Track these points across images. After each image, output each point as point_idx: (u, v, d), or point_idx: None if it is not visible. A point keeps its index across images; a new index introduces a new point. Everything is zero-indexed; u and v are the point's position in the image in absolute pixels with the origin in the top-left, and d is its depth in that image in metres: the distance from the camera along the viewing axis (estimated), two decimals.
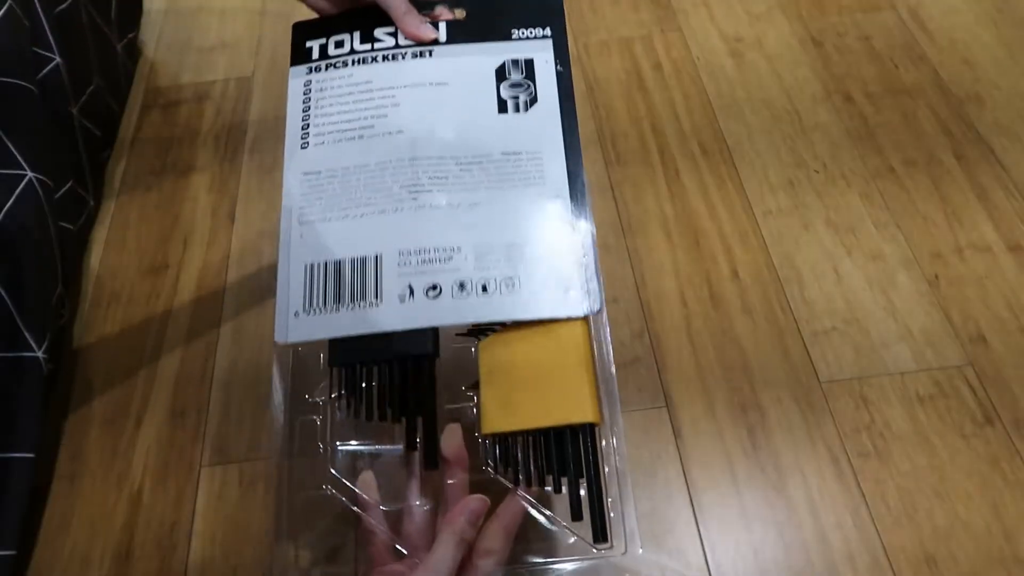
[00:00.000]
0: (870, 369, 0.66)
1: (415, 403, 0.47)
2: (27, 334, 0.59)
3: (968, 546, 0.57)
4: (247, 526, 0.60)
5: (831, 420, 0.64)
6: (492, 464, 0.47)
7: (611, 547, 0.44)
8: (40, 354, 0.59)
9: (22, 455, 0.57)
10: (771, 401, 0.65)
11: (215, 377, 0.69)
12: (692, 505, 0.60)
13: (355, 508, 0.48)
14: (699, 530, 0.59)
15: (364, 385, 0.48)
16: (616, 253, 0.75)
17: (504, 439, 0.46)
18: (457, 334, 0.49)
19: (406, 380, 0.47)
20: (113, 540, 0.60)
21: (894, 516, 0.59)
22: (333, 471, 0.49)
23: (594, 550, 0.44)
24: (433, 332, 0.47)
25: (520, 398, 0.45)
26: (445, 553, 0.42)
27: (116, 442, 0.65)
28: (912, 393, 0.65)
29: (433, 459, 0.46)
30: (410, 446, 0.47)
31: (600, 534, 0.43)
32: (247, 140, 0.88)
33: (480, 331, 0.49)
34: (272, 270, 0.75)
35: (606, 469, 0.45)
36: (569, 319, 0.46)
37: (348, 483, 0.49)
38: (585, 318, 0.47)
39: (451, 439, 0.47)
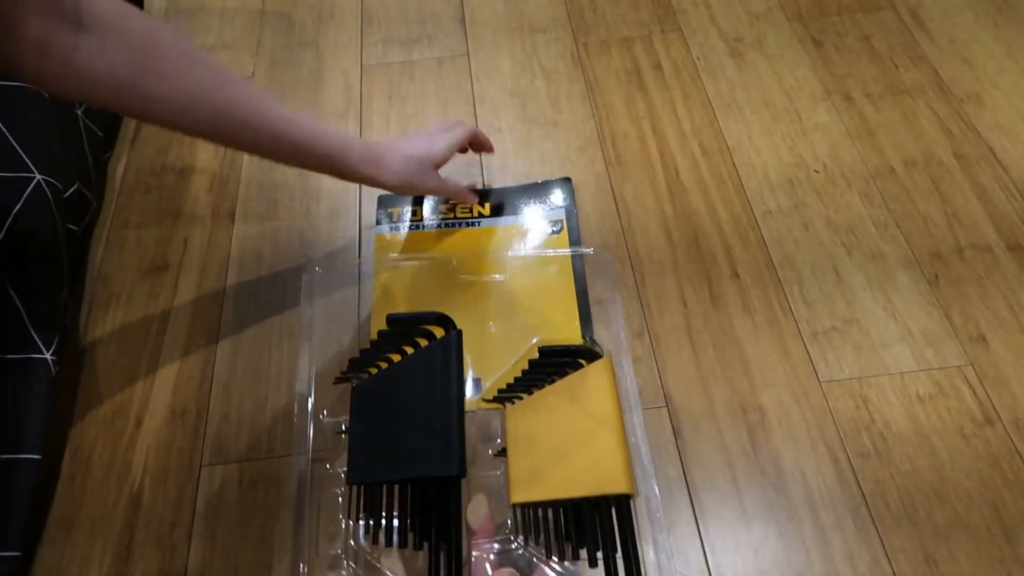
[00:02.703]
0: (870, 369, 0.66)
1: (439, 530, 0.42)
2: (36, 336, 0.59)
3: (968, 546, 0.57)
4: (247, 526, 0.60)
5: (831, 420, 0.64)
6: (522, 535, 0.45)
7: None
8: (48, 356, 0.60)
9: (28, 456, 0.57)
10: (771, 401, 0.65)
11: (215, 377, 0.69)
12: (692, 505, 0.60)
13: None
14: (699, 530, 0.59)
15: (384, 510, 0.44)
16: (616, 253, 0.75)
17: (535, 509, 0.44)
18: (484, 400, 0.48)
19: (429, 504, 0.43)
20: (113, 540, 0.60)
21: (894, 516, 0.59)
22: (357, 546, 0.46)
23: None
24: (460, 448, 0.43)
25: (551, 467, 0.44)
26: None
27: (116, 442, 0.65)
28: (912, 393, 0.65)
29: None
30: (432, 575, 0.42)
31: None
32: None
33: (507, 397, 0.47)
34: (272, 270, 0.75)
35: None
36: (598, 387, 0.45)
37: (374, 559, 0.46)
38: (614, 385, 0.46)
39: (478, 509, 0.45)
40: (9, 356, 0.57)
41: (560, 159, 0.83)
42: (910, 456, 0.61)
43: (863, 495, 0.60)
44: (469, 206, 0.79)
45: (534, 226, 0.78)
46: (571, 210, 0.79)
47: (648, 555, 0.44)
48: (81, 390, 0.68)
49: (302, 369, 0.54)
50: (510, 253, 0.74)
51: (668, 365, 0.68)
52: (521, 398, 0.48)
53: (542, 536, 0.44)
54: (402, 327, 0.46)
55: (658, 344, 0.69)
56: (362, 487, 0.45)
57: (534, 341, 0.51)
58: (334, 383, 0.49)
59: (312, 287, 0.63)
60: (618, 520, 0.42)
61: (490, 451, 0.49)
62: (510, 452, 0.46)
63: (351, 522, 0.46)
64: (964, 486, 0.60)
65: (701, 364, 0.67)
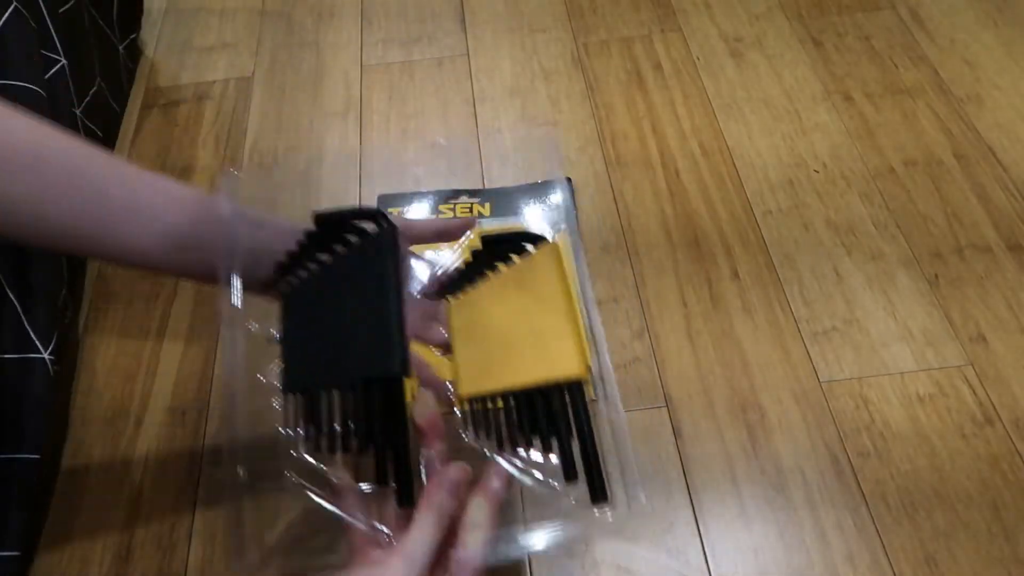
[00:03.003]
0: (870, 369, 0.66)
1: (384, 432, 0.40)
2: (34, 336, 0.59)
3: (968, 546, 0.57)
4: (247, 526, 0.60)
5: (831, 420, 0.64)
6: (472, 430, 0.42)
7: (612, 505, 0.40)
8: (47, 356, 0.59)
9: (27, 456, 0.57)
10: (771, 401, 0.65)
11: (215, 377, 0.69)
12: (692, 505, 0.60)
13: (319, 499, 0.42)
14: (699, 530, 0.59)
15: (324, 414, 0.41)
16: (616, 253, 0.75)
17: (483, 402, 0.42)
18: (421, 294, 0.45)
19: (372, 406, 0.40)
20: (113, 540, 0.60)
21: (894, 516, 0.59)
22: (298, 455, 0.43)
23: (594, 511, 0.39)
24: (402, 347, 0.40)
25: (499, 356, 0.41)
26: (422, 534, 0.37)
27: (116, 442, 0.65)
28: (912, 393, 0.65)
29: (409, 496, 0.39)
30: (380, 481, 0.40)
31: (600, 492, 0.39)
32: (247, 140, 0.88)
33: (448, 290, 0.44)
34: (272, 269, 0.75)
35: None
36: (547, 271, 0.42)
37: (319, 465, 0.43)
38: (563, 269, 0.42)
39: (424, 407, 0.42)
40: (7, 356, 0.57)
41: (560, 159, 0.83)
42: (910, 456, 0.61)
43: (863, 495, 0.60)
44: (469, 206, 0.79)
45: (534, 226, 0.78)
46: (571, 210, 0.79)
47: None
48: (81, 390, 0.68)
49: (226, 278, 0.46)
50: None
51: (668, 365, 0.67)
52: (465, 290, 0.45)
53: (493, 429, 0.41)
54: (332, 226, 0.42)
55: (658, 344, 0.69)
56: (299, 395, 0.42)
57: (471, 234, 0.46)
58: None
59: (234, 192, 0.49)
60: (572, 405, 0.40)
61: (430, 347, 0.45)
62: (455, 345, 0.43)
63: (289, 432, 0.43)
64: (964, 486, 0.60)
65: (701, 364, 0.67)
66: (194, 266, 0.45)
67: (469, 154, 0.84)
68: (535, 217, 0.78)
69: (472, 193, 0.80)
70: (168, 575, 0.58)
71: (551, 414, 0.40)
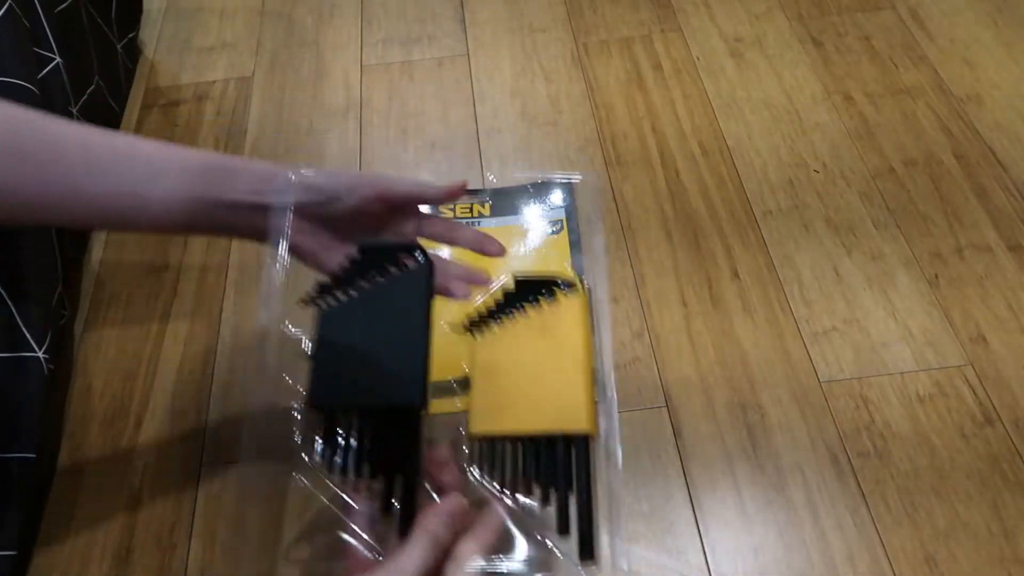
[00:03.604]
0: (870, 369, 0.66)
1: (396, 462, 0.43)
2: (28, 334, 0.59)
3: (968, 546, 0.57)
4: (247, 526, 0.60)
5: (831, 420, 0.64)
6: (478, 468, 0.45)
7: (597, 566, 0.42)
8: (41, 354, 0.59)
9: (23, 455, 0.57)
10: (771, 401, 0.65)
11: (215, 377, 0.69)
12: (692, 505, 0.60)
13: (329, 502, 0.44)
14: (699, 530, 0.59)
15: (342, 437, 0.44)
16: (616, 253, 0.75)
17: (491, 443, 0.44)
18: (453, 329, 0.48)
19: (388, 435, 0.43)
20: (113, 540, 0.60)
21: (894, 516, 0.59)
22: (308, 459, 0.45)
23: (581, 570, 0.42)
24: (423, 381, 0.43)
25: (513, 400, 0.44)
26: (414, 553, 0.38)
27: (116, 442, 0.65)
28: (912, 393, 0.65)
29: (409, 527, 0.41)
30: (384, 510, 0.42)
31: (587, 551, 0.41)
32: (247, 140, 0.88)
33: (477, 328, 0.47)
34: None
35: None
36: (571, 322, 0.45)
37: (330, 482, 0.45)
38: (587, 321, 0.45)
39: (441, 454, 0.44)
40: (1, 355, 0.57)
41: (560, 159, 0.83)
42: (910, 456, 0.61)
43: (863, 495, 0.60)
44: (469, 206, 0.79)
45: (534, 226, 0.78)
46: (571, 210, 0.79)
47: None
48: (80, 389, 0.68)
49: (271, 281, 0.48)
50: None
51: (668, 365, 0.67)
52: (491, 329, 0.47)
53: (498, 470, 0.43)
54: (374, 254, 0.46)
55: (658, 344, 0.69)
56: (320, 411, 0.45)
57: (507, 276, 0.49)
58: (299, 303, 0.48)
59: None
60: (575, 460, 0.42)
61: (449, 379, 0.49)
62: (474, 383, 0.45)
63: (305, 440, 0.45)
64: (964, 486, 0.60)
65: (701, 364, 0.67)
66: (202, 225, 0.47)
67: (469, 154, 0.84)
68: (535, 217, 0.78)
69: (472, 193, 0.80)
70: (168, 575, 0.58)
71: (554, 464, 0.42)
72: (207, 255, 0.77)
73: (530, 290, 0.48)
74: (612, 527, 0.42)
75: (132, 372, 0.69)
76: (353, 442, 0.43)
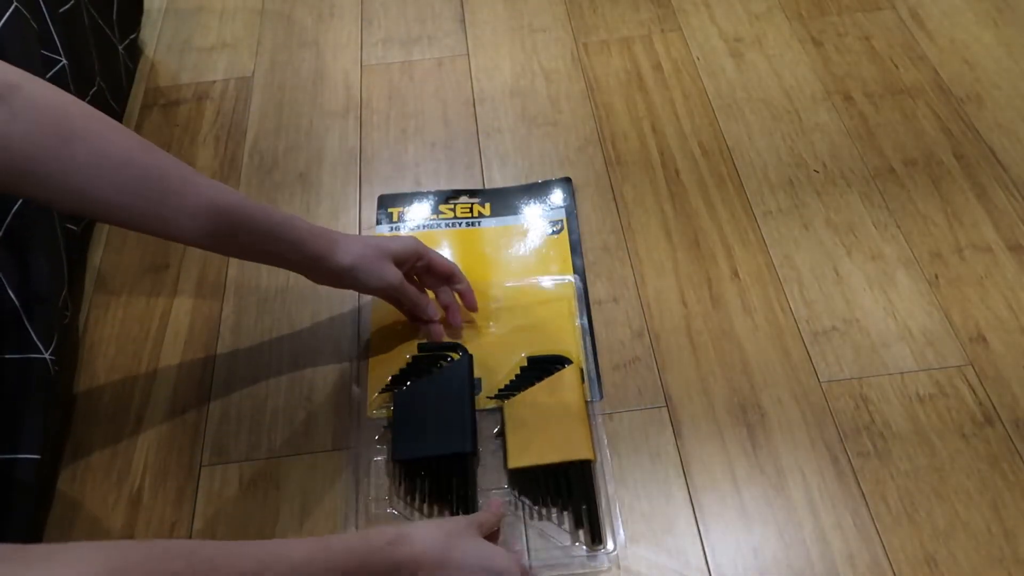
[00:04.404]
0: (870, 369, 0.66)
1: (456, 499, 0.60)
2: (35, 336, 0.59)
3: (968, 546, 0.57)
4: (247, 526, 0.60)
5: (831, 420, 0.64)
6: (516, 490, 0.61)
7: (606, 547, 0.58)
8: (47, 356, 0.59)
9: (28, 456, 0.57)
10: (771, 401, 0.65)
11: (215, 377, 0.69)
12: (692, 505, 0.60)
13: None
14: (699, 530, 0.59)
15: (416, 480, 0.61)
16: (616, 253, 0.75)
17: (523, 472, 0.61)
18: (488, 398, 0.66)
19: (450, 478, 0.60)
20: (113, 540, 0.60)
21: (894, 516, 0.59)
22: (395, 499, 0.61)
23: (585, 551, 0.58)
24: (472, 433, 0.62)
25: (536, 440, 0.62)
26: (480, 515, 0.57)
27: (116, 442, 0.65)
28: (912, 393, 0.65)
29: None
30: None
31: (596, 537, 0.58)
32: (247, 140, 0.88)
33: (505, 395, 0.65)
34: (270, 270, 0.75)
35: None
36: (570, 385, 0.64)
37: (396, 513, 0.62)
38: (580, 383, 0.64)
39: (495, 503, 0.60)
40: (8, 356, 0.57)
41: (560, 159, 0.84)
42: (910, 456, 0.61)
43: (863, 495, 0.60)
44: (469, 206, 0.79)
45: (534, 226, 0.78)
46: (571, 210, 0.79)
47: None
48: (81, 390, 0.68)
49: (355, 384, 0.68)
50: (507, 284, 0.74)
51: (668, 365, 0.68)
52: (515, 395, 0.65)
53: (530, 490, 0.61)
54: (430, 352, 0.68)
55: (658, 344, 0.69)
56: (401, 463, 0.62)
57: (523, 355, 0.68)
58: (379, 392, 0.67)
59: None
60: (583, 476, 0.60)
61: (494, 432, 0.65)
62: (508, 432, 0.63)
63: (391, 485, 0.63)
64: (964, 486, 0.60)
65: (701, 364, 0.67)
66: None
67: (469, 154, 0.84)
68: (535, 217, 0.78)
69: (472, 193, 0.80)
70: None
71: (569, 481, 0.60)
72: (207, 254, 0.77)
73: (540, 366, 0.67)
74: (612, 528, 0.59)
75: (132, 372, 0.69)
76: (426, 480, 0.62)
